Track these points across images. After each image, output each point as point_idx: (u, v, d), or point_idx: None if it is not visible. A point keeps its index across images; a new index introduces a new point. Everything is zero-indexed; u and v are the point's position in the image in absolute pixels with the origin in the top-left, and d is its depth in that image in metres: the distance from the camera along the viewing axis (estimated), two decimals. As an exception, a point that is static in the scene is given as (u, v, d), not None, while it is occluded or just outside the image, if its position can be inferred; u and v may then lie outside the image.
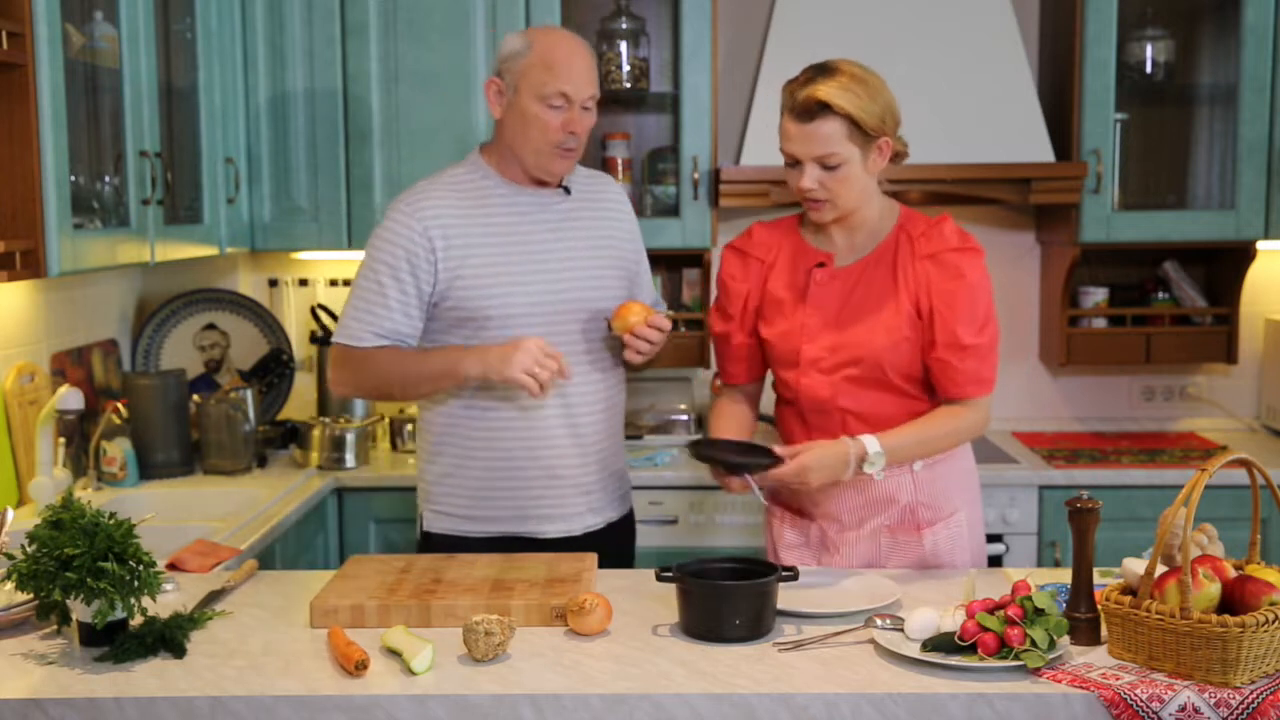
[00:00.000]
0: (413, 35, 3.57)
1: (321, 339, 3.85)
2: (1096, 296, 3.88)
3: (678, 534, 3.48)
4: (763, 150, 3.55)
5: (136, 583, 1.92)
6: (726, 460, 2.29)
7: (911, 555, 2.40)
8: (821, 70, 2.30)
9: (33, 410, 2.96)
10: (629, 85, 3.75)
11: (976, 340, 2.33)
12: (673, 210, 3.74)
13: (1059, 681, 1.78)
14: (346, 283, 3.97)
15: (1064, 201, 3.61)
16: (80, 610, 1.93)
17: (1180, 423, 4.05)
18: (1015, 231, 4.02)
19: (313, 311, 3.90)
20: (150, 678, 1.84)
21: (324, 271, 4.01)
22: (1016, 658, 1.81)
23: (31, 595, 1.94)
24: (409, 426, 3.74)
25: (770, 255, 2.47)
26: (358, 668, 1.83)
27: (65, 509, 1.94)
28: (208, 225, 3.35)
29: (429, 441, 2.59)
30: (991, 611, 1.87)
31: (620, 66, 3.75)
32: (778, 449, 2.27)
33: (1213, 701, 1.72)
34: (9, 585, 1.97)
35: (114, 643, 1.92)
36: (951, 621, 1.89)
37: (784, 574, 2.02)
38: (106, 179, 2.87)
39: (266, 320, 3.81)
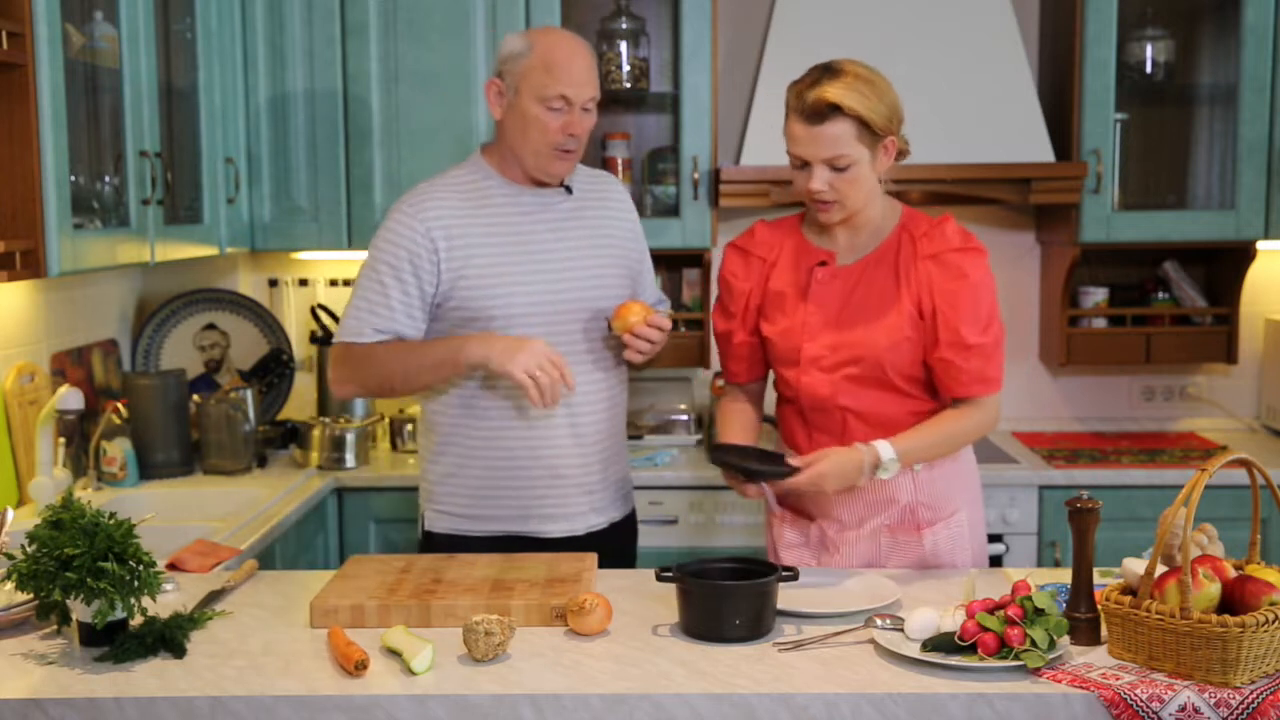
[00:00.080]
0: (413, 35, 3.57)
1: (321, 339, 3.85)
2: (1096, 296, 3.87)
3: (678, 534, 3.48)
4: (763, 150, 3.55)
5: (136, 583, 1.92)
6: (747, 467, 2.30)
7: (912, 555, 2.40)
8: (827, 71, 2.29)
9: (33, 410, 2.96)
10: (629, 85, 3.75)
11: (980, 339, 2.33)
12: (673, 210, 3.74)
13: (1059, 681, 1.78)
14: (347, 283, 3.97)
15: (1064, 201, 3.61)
16: (80, 610, 1.93)
17: (1180, 423, 4.05)
18: (1015, 231, 4.02)
19: (313, 311, 3.90)
20: (150, 678, 1.84)
21: (324, 271, 4.00)
22: (1016, 658, 1.81)
23: (31, 595, 1.94)
24: (409, 426, 3.73)
25: (772, 254, 2.47)
26: (358, 668, 1.83)
27: (65, 509, 1.94)
28: (208, 225, 3.35)
29: (432, 441, 2.59)
30: (991, 611, 1.87)
31: (620, 66, 3.75)
32: (793, 459, 2.28)
33: (1213, 701, 1.72)
34: (9, 585, 1.96)
35: (114, 643, 1.92)
36: (951, 621, 1.89)
37: (784, 574, 2.03)
38: (106, 179, 2.87)
39: (266, 320, 3.80)
